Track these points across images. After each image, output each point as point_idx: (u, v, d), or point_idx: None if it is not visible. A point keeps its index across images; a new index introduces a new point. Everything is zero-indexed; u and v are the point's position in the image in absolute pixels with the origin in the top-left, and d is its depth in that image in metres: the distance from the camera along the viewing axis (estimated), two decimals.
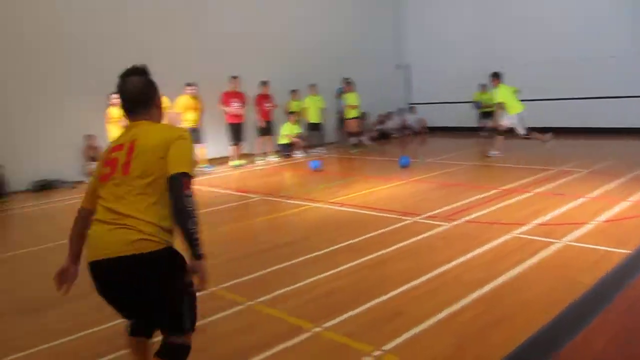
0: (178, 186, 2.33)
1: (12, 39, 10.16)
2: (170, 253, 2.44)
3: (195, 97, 11.32)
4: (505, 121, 10.74)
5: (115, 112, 9.92)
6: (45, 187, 10.50)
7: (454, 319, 3.63)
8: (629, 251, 4.68)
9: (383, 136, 15.82)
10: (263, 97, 12.67)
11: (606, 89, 13.57)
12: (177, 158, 2.40)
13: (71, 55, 10.83)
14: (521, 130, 10.66)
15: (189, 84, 11.24)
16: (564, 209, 6.36)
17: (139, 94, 2.59)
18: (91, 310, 4.00)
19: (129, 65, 2.65)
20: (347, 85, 13.59)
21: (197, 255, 2.33)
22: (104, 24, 11.23)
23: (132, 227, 2.33)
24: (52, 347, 3.64)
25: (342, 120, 14.73)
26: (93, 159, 10.65)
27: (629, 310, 3.63)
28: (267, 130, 12.81)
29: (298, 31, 14.74)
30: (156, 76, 2.68)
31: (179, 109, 11.11)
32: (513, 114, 10.64)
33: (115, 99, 9.88)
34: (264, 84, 12.69)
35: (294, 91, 13.59)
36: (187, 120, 11.13)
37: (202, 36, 12.75)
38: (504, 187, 7.82)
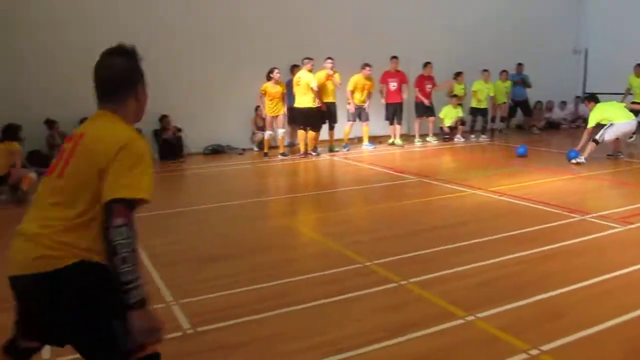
0: (108, 215, 1.89)
1: (192, 16, 11.11)
2: (92, 269, 1.98)
3: (368, 77, 11.45)
4: None
5: (269, 87, 10.47)
6: (216, 151, 11.43)
7: (624, 329, 3.35)
8: None
9: (551, 126, 14.79)
10: (425, 78, 12.52)
11: None
12: (113, 179, 1.94)
13: (246, 29, 11.55)
14: None
15: (366, 64, 11.36)
16: None
17: (113, 78, 2.15)
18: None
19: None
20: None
21: (129, 305, 1.87)
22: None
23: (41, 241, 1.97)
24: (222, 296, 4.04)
25: (514, 107, 14.24)
26: (261, 129, 11.40)
27: None
28: (427, 111, 12.63)
29: (464, 12, 14.15)
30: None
31: (351, 87, 11.36)
32: None
33: (277, 73, 10.45)
34: (427, 64, 12.51)
35: (458, 74, 13.17)
36: (356, 99, 11.40)
37: (365, 19, 12.80)
38: None
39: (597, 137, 9.23)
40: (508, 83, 13.59)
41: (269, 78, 10.57)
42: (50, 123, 9.67)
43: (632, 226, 5.52)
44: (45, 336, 2.17)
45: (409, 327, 3.42)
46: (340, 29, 12.32)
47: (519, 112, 14.35)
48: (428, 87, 12.54)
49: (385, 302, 3.88)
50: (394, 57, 11.88)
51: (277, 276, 4.37)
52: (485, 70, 12.93)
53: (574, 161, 9.18)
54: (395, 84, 11.92)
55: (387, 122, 12.22)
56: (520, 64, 13.91)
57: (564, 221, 5.80)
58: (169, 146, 10.76)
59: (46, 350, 3.00)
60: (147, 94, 2.27)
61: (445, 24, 13.72)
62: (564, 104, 15.41)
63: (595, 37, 16.01)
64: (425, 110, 12.59)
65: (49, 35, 9.76)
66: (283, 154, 10.92)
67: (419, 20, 13.32)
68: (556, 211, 6.18)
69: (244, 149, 11.69)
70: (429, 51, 12.82)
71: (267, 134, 10.93)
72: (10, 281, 2.02)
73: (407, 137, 12.88)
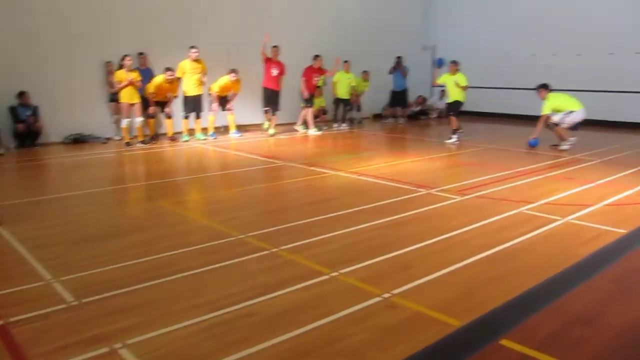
0: None
1: None
2: None
3: (197, 60, 11.32)
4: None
5: (123, 75, 10.42)
6: (77, 140, 11.00)
7: (457, 274, 4.06)
8: (623, 231, 5.06)
9: (411, 117, 16.12)
10: (313, 70, 12.92)
11: (630, 84, 13.71)
12: None
13: (102, 13, 11.28)
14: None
15: (192, 47, 11.22)
16: (572, 191, 6.73)
17: None
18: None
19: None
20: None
21: None
22: None
23: None
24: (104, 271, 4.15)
25: (394, 97, 15.45)
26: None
27: (616, 280, 4.02)
28: (307, 102, 12.98)
29: (326, 5, 15.01)
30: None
31: (179, 74, 11.22)
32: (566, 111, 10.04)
33: (128, 60, 10.42)
34: (317, 57, 12.91)
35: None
36: (189, 85, 11.34)
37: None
38: (519, 169, 8.17)
39: (556, 121, 10.00)
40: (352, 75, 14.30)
41: (120, 66, 10.52)
42: None
43: (467, 197, 6.45)
44: None
45: (281, 284, 3.83)
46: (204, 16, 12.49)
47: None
48: (315, 78, 12.99)
49: (259, 266, 4.26)
50: (275, 46, 12.04)
51: (156, 251, 4.55)
52: (346, 62, 13.72)
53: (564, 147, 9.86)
54: (276, 71, 12.14)
55: (263, 107, 12.45)
56: (399, 57, 15.02)
57: (413, 195, 6.60)
58: (26, 126, 10.25)
59: None
60: None
61: (306, 17, 14.41)
62: (420, 97, 16.83)
63: (444, 35, 17.70)
64: (306, 101, 12.95)
65: None
66: (142, 142, 10.87)
67: (282, 10, 13.88)
68: (407, 187, 6.99)
69: (107, 138, 11.38)
70: (291, 42, 13.34)
71: (125, 121, 10.74)
72: None
73: (285, 126, 13.38)
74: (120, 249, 4.68)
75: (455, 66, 11.30)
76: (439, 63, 11.87)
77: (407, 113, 15.91)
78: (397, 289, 3.74)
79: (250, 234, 5.01)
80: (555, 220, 5.42)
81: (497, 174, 7.80)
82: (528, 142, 10.37)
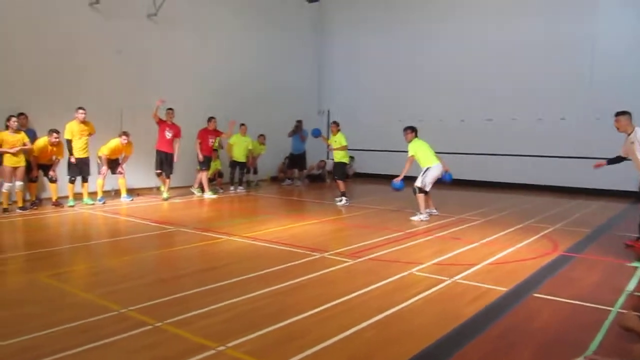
0: None
1: None
2: None
3: (85, 122, 10.91)
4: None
5: (8, 136, 9.84)
6: None
7: (351, 340, 3.99)
8: (504, 289, 5.31)
9: (312, 179, 16.35)
10: (209, 132, 12.79)
11: (509, 147, 14.94)
12: None
13: None
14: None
15: (80, 108, 10.82)
16: (458, 251, 7.01)
17: None
18: None
19: None
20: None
21: None
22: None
23: None
24: None
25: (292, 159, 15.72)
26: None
27: (500, 336, 4.15)
28: (202, 165, 12.75)
29: (224, 67, 15.19)
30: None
31: (68, 135, 10.72)
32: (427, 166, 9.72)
33: (14, 121, 9.86)
34: (211, 119, 12.82)
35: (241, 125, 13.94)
36: (77, 148, 10.82)
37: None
38: (408, 230, 8.44)
39: (419, 185, 9.56)
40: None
41: (6, 127, 9.93)
42: None
43: (360, 260, 6.51)
44: None
45: None
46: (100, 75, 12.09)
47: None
48: (211, 140, 12.83)
49: (140, 343, 3.93)
50: (170, 109, 11.92)
51: (27, 330, 4.08)
52: (242, 125, 13.80)
53: (416, 219, 9.36)
54: (170, 134, 11.91)
55: (156, 170, 12.09)
56: (299, 121, 15.33)
57: (307, 259, 6.55)
58: None
59: None
60: None
61: (205, 80, 14.45)
62: (322, 161, 17.18)
63: (336, 100, 18.45)
64: (201, 164, 12.71)
65: None
66: (22, 208, 10.07)
67: (177, 72, 13.84)
68: (300, 251, 6.94)
69: None
70: (188, 105, 13.27)
71: (7, 186, 9.95)
72: None
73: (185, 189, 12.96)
74: None
75: (336, 127, 11.61)
76: (316, 133, 12.20)
77: (305, 175, 16.15)
78: None
79: (133, 307, 4.66)
80: (443, 281, 5.58)
81: (389, 236, 8.00)
82: (392, 184, 9.77)
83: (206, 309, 4.64)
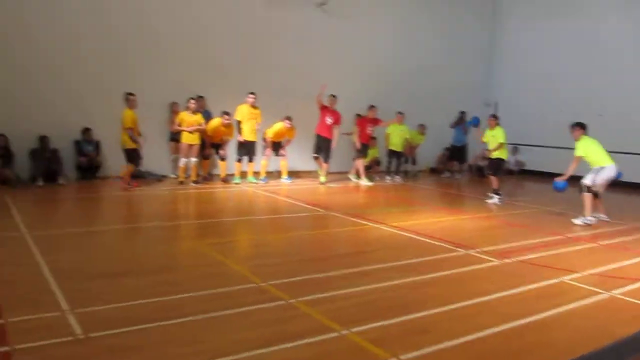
0: None
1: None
2: None
3: (254, 106, 11.68)
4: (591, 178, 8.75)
5: (186, 116, 10.92)
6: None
7: (477, 344, 3.81)
8: None
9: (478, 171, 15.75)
10: (367, 120, 12.91)
11: None
12: None
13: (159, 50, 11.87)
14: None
15: (250, 92, 11.62)
16: (624, 263, 6.27)
17: None
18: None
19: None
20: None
21: None
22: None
23: None
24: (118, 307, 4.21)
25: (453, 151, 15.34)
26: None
27: None
28: (360, 153, 12.94)
29: (384, 60, 15.19)
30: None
31: (239, 117, 11.57)
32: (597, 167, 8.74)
33: (193, 103, 10.88)
34: (371, 107, 12.91)
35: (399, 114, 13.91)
36: (246, 130, 11.62)
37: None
38: (569, 235, 7.75)
39: (587, 183, 8.71)
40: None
41: (186, 108, 11.12)
42: None
43: (507, 260, 6.14)
44: None
45: (287, 338, 3.72)
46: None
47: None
48: (369, 129, 13.00)
49: (271, 317, 4.17)
50: (333, 96, 12.20)
51: (173, 292, 4.58)
52: (399, 113, 13.69)
53: (579, 222, 8.57)
54: (330, 120, 12.22)
55: (313, 153, 12.46)
56: (462, 112, 14.92)
57: (450, 254, 6.36)
58: (88, 160, 10.93)
59: None
60: None
61: (363, 66, 14.63)
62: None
63: (506, 91, 17.41)
64: (358, 152, 12.92)
65: None
66: (195, 182, 11.15)
67: (339, 61, 14.17)
68: (445, 245, 6.75)
69: (163, 175, 11.80)
70: (346, 92, 13.49)
71: (183, 161, 11.11)
72: None
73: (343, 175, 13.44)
74: (140, 286, 4.74)
75: (494, 120, 10.82)
76: (475, 122, 11.54)
77: (465, 169, 15.60)
78: (406, 354, 3.55)
79: (272, 282, 4.95)
80: (598, 294, 5.04)
81: (546, 239, 7.42)
82: (553, 183, 9.07)
83: (339, 292, 4.76)
